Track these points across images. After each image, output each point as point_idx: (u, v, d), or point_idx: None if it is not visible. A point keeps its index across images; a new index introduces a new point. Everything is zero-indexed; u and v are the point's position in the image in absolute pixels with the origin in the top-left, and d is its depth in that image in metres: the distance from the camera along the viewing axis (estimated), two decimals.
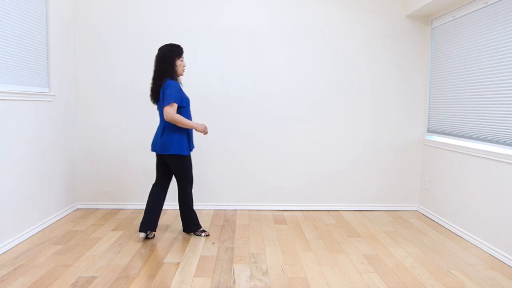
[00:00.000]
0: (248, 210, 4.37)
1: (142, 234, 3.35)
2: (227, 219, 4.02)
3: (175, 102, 3.14)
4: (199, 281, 2.62)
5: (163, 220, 3.93)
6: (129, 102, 4.27)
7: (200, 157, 4.33)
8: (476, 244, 3.34)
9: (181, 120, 3.16)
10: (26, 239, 3.34)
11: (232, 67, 4.26)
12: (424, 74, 4.33)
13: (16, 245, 3.20)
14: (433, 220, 4.04)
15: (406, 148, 4.39)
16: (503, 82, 3.07)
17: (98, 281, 2.59)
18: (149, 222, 3.34)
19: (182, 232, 3.58)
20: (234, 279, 2.65)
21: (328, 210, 4.38)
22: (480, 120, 3.35)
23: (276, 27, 4.25)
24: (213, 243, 3.32)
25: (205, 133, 3.35)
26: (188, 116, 3.34)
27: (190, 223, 3.47)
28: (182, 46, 4.21)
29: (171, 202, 4.36)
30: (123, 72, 4.24)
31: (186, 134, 3.30)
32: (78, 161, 4.31)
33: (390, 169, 4.40)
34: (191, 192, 3.45)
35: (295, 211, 4.33)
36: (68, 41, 4.11)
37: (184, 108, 3.28)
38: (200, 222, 3.88)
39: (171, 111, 3.13)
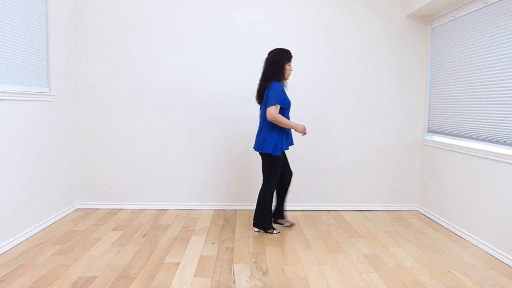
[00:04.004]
0: (248, 210, 4.37)
1: (256, 229, 3.62)
2: (227, 219, 4.02)
3: (278, 103, 3.30)
4: (199, 281, 2.62)
5: (163, 220, 3.93)
6: (129, 102, 4.27)
7: (200, 157, 4.34)
8: (476, 244, 3.34)
9: (282, 120, 3.32)
10: (26, 239, 3.34)
11: (231, 67, 4.26)
12: (424, 74, 4.33)
13: (16, 245, 3.20)
14: (433, 220, 4.04)
15: (406, 148, 4.39)
16: (503, 82, 3.07)
17: (98, 281, 2.59)
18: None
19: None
20: (234, 279, 2.65)
21: (328, 210, 4.38)
22: (480, 120, 3.35)
23: (276, 27, 4.25)
24: (213, 243, 3.32)
25: (304, 133, 3.44)
26: (287, 118, 3.47)
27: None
28: (185, 45, 4.22)
29: (171, 202, 4.36)
30: (123, 72, 4.24)
31: (282, 134, 3.42)
32: (78, 161, 4.31)
33: (390, 169, 4.40)
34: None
35: (295, 211, 4.33)
36: (68, 41, 4.11)
37: (285, 111, 3.43)
38: (200, 222, 3.88)
39: (273, 111, 3.28)
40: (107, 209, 4.31)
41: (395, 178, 4.41)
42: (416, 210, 4.42)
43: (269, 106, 3.29)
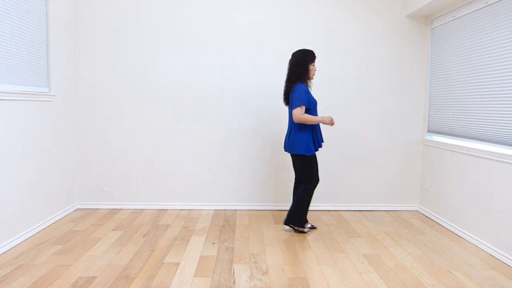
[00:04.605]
0: (248, 210, 4.37)
1: (287, 227, 3.68)
2: (227, 219, 4.02)
3: (303, 104, 3.32)
4: (199, 281, 2.62)
5: (163, 220, 3.93)
6: (129, 102, 4.27)
7: (200, 157, 4.34)
8: (476, 244, 3.34)
9: (308, 118, 3.34)
10: (26, 239, 3.34)
11: (231, 67, 4.26)
12: (424, 74, 4.33)
13: (16, 245, 3.20)
14: (433, 220, 4.04)
15: (406, 148, 4.39)
16: (503, 82, 3.07)
17: (98, 281, 2.59)
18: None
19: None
20: (234, 279, 2.65)
21: (328, 210, 4.38)
22: (480, 120, 3.35)
23: (276, 27, 4.25)
24: (213, 243, 3.32)
25: (332, 124, 3.45)
26: None
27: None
28: (185, 45, 4.22)
29: (171, 202, 4.36)
30: (123, 72, 4.24)
31: (312, 133, 3.43)
32: (78, 161, 4.31)
33: (390, 169, 4.40)
34: (312, 191, 3.51)
35: None
36: (68, 41, 4.11)
37: (311, 110, 3.43)
38: (200, 222, 3.88)
39: (298, 112, 3.32)
40: (107, 209, 4.31)
41: (395, 178, 4.41)
42: (416, 210, 4.42)
43: (294, 108, 3.33)
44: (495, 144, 3.16)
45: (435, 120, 4.11)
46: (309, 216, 4.15)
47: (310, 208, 4.38)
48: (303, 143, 3.38)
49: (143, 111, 4.28)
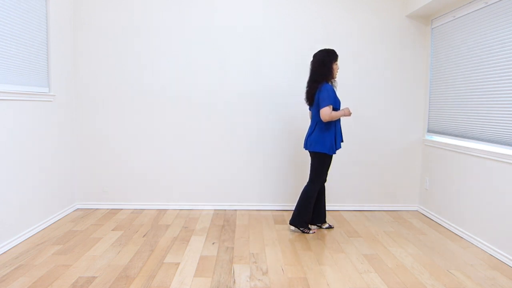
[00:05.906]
0: (248, 210, 4.37)
1: (292, 228, 3.69)
2: (227, 219, 4.02)
3: (331, 104, 3.36)
4: (199, 281, 2.62)
5: (163, 220, 3.93)
6: (129, 102, 4.27)
7: (200, 157, 4.34)
8: (476, 244, 3.34)
9: (335, 115, 3.39)
10: (26, 239, 3.34)
11: (231, 67, 4.26)
12: (424, 74, 4.33)
13: (16, 245, 3.20)
14: (433, 220, 4.04)
15: (406, 148, 4.39)
16: (503, 82, 3.07)
17: (98, 281, 2.59)
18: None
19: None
20: (234, 279, 2.65)
21: (328, 210, 4.38)
22: (480, 120, 3.35)
23: (276, 27, 4.25)
24: (213, 243, 3.32)
25: (350, 114, 3.49)
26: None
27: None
28: (185, 45, 4.22)
29: (171, 202, 4.36)
30: (123, 72, 4.24)
31: (335, 133, 3.46)
32: (78, 161, 4.31)
33: (390, 169, 4.40)
34: (315, 192, 3.53)
35: None
36: (68, 41, 4.11)
37: (336, 110, 3.46)
38: (200, 222, 3.88)
39: (327, 111, 3.34)
40: (107, 209, 4.31)
41: (395, 178, 4.41)
42: (416, 210, 4.42)
43: (323, 107, 3.34)
44: (495, 144, 3.16)
45: (435, 120, 4.11)
46: None
47: None
48: (328, 142, 3.42)
49: (143, 111, 4.28)
